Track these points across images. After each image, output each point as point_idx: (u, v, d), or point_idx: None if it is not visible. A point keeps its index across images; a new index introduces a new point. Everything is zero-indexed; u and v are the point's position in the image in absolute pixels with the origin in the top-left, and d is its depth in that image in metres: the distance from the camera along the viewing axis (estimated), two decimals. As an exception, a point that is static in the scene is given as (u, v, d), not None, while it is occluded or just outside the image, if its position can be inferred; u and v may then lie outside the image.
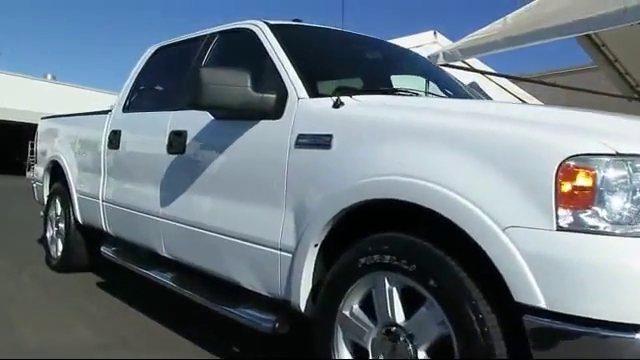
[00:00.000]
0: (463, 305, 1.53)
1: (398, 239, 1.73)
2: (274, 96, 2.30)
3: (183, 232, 2.76)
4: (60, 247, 4.47)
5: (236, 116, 2.43)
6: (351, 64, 2.79)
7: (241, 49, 2.80)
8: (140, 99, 3.60)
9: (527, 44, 5.28)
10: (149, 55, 3.67)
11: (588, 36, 7.39)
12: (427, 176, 1.64)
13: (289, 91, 2.29)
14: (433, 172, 1.64)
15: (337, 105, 2.07)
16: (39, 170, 5.12)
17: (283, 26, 2.71)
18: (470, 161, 1.59)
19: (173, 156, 2.89)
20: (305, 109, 2.20)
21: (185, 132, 2.80)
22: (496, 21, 6.08)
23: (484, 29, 6.14)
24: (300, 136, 2.13)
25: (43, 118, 5.33)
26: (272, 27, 2.64)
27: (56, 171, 4.62)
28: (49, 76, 29.60)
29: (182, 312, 3.38)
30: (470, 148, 1.61)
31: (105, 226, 3.72)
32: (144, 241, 3.23)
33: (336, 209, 1.92)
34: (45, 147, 4.96)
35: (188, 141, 2.78)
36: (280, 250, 2.18)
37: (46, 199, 4.83)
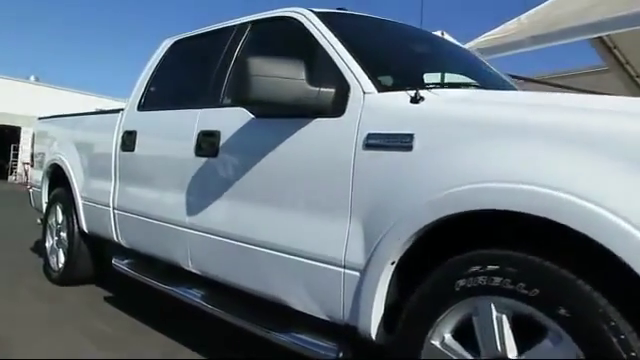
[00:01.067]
0: (609, 340, 1.26)
1: (512, 258, 1.45)
2: (332, 90, 2.02)
3: (216, 245, 2.46)
4: (62, 258, 4.11)
5: (286, 113, 2.14)
6: (409, 56, 2.52)
7: (282, 40, 2.51)
8: (158, 97, 3.28)
9: (552, 43, 5.08)
10: (166, 49, 3.36)
11: (600, 38, 7.25)
12: (550, 183, 1.37)
13: (351, 85, 2.00)
14: (557, 178, 1.37)
15: (417, 100, 1.79)
16: (36, 174, 4.76)
17: (331, 14, 2.43)
18: (607, 164, 1.32)
19: (202, 159, 2.58)
20: (374, 105, 1.91)
21: (218, 132, 2.50)
22: (509, 21, 5.92)
23: (498, 29, 5.96)
24: (370, 136, 1.85)
25: (40, 118, 4.97)
26: (320, 15, 2.35)
27: (57, 175, 4.27)
28: (32, 77, 28.92)
29: (198, 327, 3.11)
30: (607, 148, 1.34)
31: (116, 236, 3.39)
32: (164, 253, 2.91)
33: (423, 221, 1.64)
34: (43, 150, 4.60)
35: (222, 142, 2.47)
36: (344, 268, 1.89)
37: (45, 206, 4.47)
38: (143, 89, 3.32)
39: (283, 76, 1.97)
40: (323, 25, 2.27)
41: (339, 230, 1.91)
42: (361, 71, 2.02)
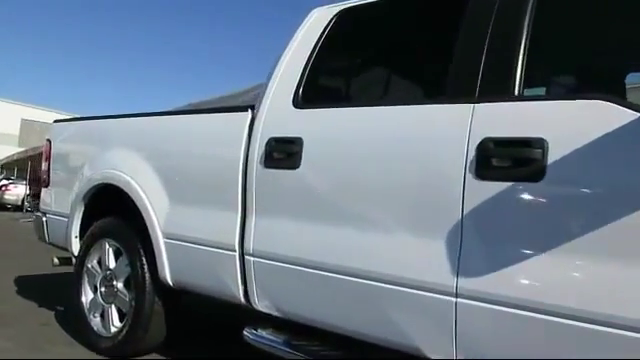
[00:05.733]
0: None
1: None
2: None
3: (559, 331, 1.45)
4: (116, 319, 2.87)
5: None
6: None
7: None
8: (336, 87, 2.21)
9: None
10: (327, 22, 2.28)
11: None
12: None
13: None
14: None
15: None
16: (56, 197, 3.45)
17: None
18: None
19: (501, 185, 1.57)
20: None
21: (542, 142, 1.50)
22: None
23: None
24: None
25: (58, 121, 3.67)
26: None
27: (102, 201, 3.04)
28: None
29: None
30: None
31: (246, 295, 2.26)
32: (385, 335, 1.83)
33: None
34: (73, 163, 3.33)
35: (552, 160, 1.48)
36: None
37: (76, 241, 3.19)
38: (299, 77, 2.23)
39: None
40: None
41: None
42: None
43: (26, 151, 21.37)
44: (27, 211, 17.88)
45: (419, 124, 1.80)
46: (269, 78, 2.35)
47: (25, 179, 20.08)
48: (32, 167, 19.18)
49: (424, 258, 1.71)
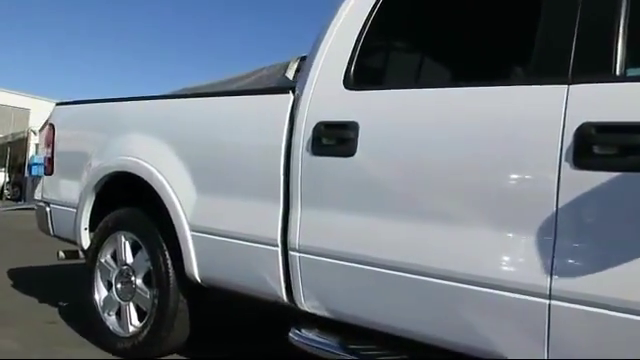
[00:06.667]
0: None
1: None
2: None
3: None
4: (134, 319, 2.66)
5: None
6: None
7: None
8: (393, 66, 2.02)
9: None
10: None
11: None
12: None
13: None
14: None
15: None
16: (60, 185, 3.21)
17: None
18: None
19: (601, 175, 1.41)
20: None
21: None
22: None
23: None
24: None
25: (61, 104, 3.41)
26: None
27: (114, 191, 2.82)
28: None
29: None
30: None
31: (291, 295, 2.08)
32: (458, 338, 1.66)
33: None
34: (81, 149, 3.08)
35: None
36: None
37: (85, 234, 2.96)
38: (349, 55, 2.02)
39: None
40: None
41: None
42: None
43: (5, 137, 20.70)
44: (7, 199, 17.38)
45: (502, 107, 1.62)
46: (312, 57, 2.14)
47: (4, 166, 19.47)
48: (12, 154, 18.60)
49: (512, 257, 1.55)
